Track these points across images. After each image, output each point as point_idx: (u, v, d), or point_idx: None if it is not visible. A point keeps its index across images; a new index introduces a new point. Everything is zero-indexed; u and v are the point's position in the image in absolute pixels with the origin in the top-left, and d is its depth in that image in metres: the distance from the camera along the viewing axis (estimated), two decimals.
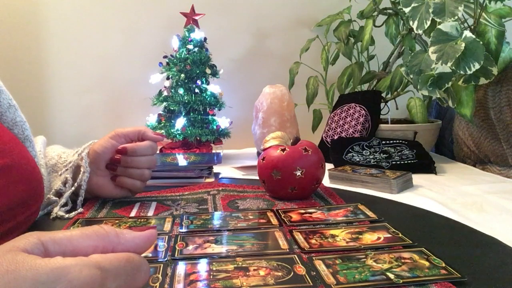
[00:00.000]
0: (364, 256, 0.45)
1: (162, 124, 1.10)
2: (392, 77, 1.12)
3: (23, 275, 0.23)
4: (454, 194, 0.75)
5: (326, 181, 0.83)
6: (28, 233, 0.27)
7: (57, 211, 0.62)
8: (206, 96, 1.10)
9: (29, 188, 0.52)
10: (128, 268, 0.27)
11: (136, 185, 0.67)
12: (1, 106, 0.56)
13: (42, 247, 0.26)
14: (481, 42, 0.80)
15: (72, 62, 1.34)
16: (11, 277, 0.23)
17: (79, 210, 0.63)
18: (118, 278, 0.26)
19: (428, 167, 0.92)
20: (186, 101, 1.08)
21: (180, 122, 1.08)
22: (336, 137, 1.09)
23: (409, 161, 0.92)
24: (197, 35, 1.12)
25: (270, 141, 0.73)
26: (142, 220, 0.59)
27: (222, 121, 1.13)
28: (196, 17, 1.15)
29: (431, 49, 0.84)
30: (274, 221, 0.58)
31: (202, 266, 0.43)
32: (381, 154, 0.96)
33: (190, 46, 1.11)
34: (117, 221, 0.58)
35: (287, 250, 0.47)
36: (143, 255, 0.30)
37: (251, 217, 0.60)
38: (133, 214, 0.63)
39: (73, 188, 0.65)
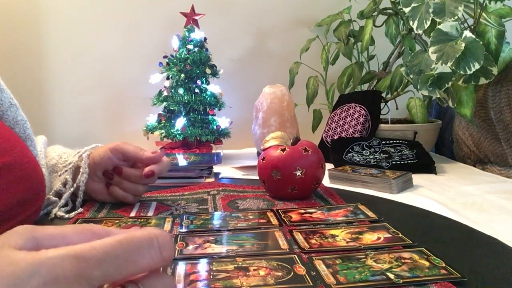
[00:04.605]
0: (364, 256, 0.45)
1: (162, 124, 1.10)
2: (392, 77, 1.12)
3: (2, 271, 0.23)
4: (454, 194, 0.75)
5: (326, 181, 0.83)
6: (21, 227, 0.26)
7: (57, 211, 0.62)
8: (206, 96, 1.10)
9: (30, 186, 0.52)
10: (119, 252, 0.25)
11: (127, 198, 0.67)
12: (2, 105, 0.56)
13: (35, 241, 0.26)
14: (481, 42, 0.80)
15: (72, 62, 1.34)
16: None
17: (79, 210, 0.63)
18: (105, 264, 0.24)
19: (428, 167, 0.92)
20: (186, 101, 1.08)
21: (180, 122, 1.08)
22: (336, 137, 1.09)
23: (409, 161, 0.92)
24: (197, 35, 1.12)
25: (270, 141, 0.73)
26: (142, 220, 0.59)
27: (222, 121, 1.13)
28: (196, 17, 1.15)
29: (431, 49, 0.84)
30: (274, 221, 0.58)
31: (202, 266, 0.43)
32: (381, 154, 0.96)
33: (190, 46, 1.11)
34: (117, 221, 0.58)
35: (287, 250, 0.47)
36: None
37: (251, 217, 0.60)
38: (133, 214, 0.63)
39: (72, 189, 0.65)
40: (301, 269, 0.42)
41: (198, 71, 1.09)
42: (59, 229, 0.27)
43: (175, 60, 1.11)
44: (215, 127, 1.11)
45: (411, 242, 0.49)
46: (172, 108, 1.10)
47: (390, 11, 1.19)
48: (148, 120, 1.13)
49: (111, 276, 0.24)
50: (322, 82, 1.32)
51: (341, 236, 0.51)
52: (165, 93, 1.12)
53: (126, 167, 0.67)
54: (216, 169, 0.92)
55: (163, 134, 1.09)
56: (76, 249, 0.24)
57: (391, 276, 0.40)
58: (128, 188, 0.67)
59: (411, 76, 0.94)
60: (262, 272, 0.41)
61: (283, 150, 0.68)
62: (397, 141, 0.99)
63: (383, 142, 1.00)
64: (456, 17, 0.83)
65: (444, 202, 0.70)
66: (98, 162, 0.66)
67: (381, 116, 1.14)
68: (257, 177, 0.74)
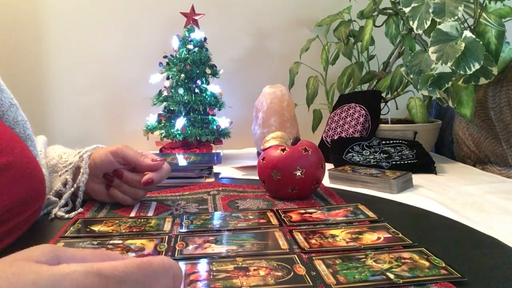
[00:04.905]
0: (364, 256, 0.45)
1: (162, 124, 1.10)
2: (392, 77, 1.12)
3: (24, 279, 0.23)
4: (454, 194, 0.75)
5: (326, 181, 0.83)
6: (45, 245, 0.27)
7: (57, 211, 0.62)
8: (206, 96, 1.10)
9: (30, 187, 0.52)
10: (138, 275, 0.26)
11: (127, 201, 0.67)
12: (2, 105, 0.56)
13: (57, 260, 0.26)
14: (481, 42, 0.80)
15: (72, 62, 1.34)
16: (14, 280, 0.23)
17: (79, 210, 0.63)
18: (124, 285, 0.25)
19: (428, 167, 0.92)
20: (186, 101, 1.08)
21: (180, 122, 1.08)
22: (336, 137, 1.09)
23: (409, 161, 0.92)
24: (197, 35, 1.12)
25: (270, 141, 0.73)
26: (142, 220, 0.59)
27: (222, 121, 1.13)
28: (196, 17, 1.15)
29: (431, 49, 0.84)
30: (274, 221, 0.58)
31: (202, 266, 0.43)
32: (381, 154, 0.96)
33: (190, 46, 1.11)
34: (117, 221, 0.58)
35: (287, 250, 0.47)
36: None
37: (251, 217, 0.60)
38: (133, 214, 0.63)
39: (72, 189, 0.65)
40: (301, 269, 0.42)
41: (198, 71, 1.09)
42: (79, 251, 0.28)
43: (175, 60, 1.11)
44: (215, 127, 1.11)
45: (411, 242, 0.49)
46: (172, 108, 1.10)
47: (390, 11, 1.19)
48: (148, 120, 1.13)
49: None
50: (322, 82, 1.32)
51: (341, 236, 0.51)
52: (165, 93, 1.12)
53: (127, 171, 0.67)
54: (216, 169, 0.92)
55: (163, 134, 1.09)
56: (99, 266, 0.25)
57: (391, 276, 0.40)
58: (127, 192, 0.67)
59: (411, 76, 0.94)
60: (262, 272, 0.41)
61: (283, 150, 0.68)
62: (397, 141, 0.99)
63: (383, 142, 1.00)
64: (456, 17, 0.83)
65: (444, 202, 0.70)
66: (99, 164, 0.66)
67: (381, 116, 1.14)
68: (257, 177, 0.74)
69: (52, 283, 0.23)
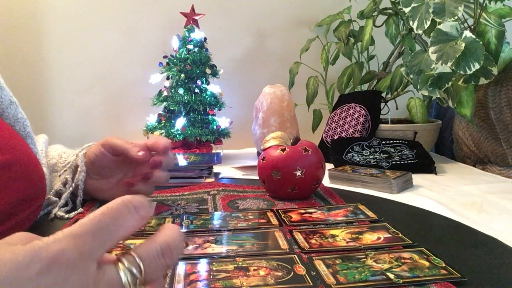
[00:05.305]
0: (364, 256, 0.45)
1: (162, 124, 1.10)
2: (392, 77, 1.12)
3: (2, 258, 0.24)
4: (454, 194, 0.75)
5: (326, 181, 0.83)
6: (24, 232, 0.28)
7: (57, 211, 0.62)
8: (206, 96, 1.10)
9: (31, 184, 0.52)
10: (107, 220, 0.27)
11: (148, 191, 0.66)
12: (2, 103, 0.56)
13: None
14: (481, 42, 0.80)
15: (72, 62, 1.33)
16: None
17: (79, 210, 0.63)
18: (98, 234, 0.26)
19: (428, 167, 0.92)
20: (186, 101, 1.08)
21: (180, 122, 1.08)
22: (336, 137, 1.09)
23: (409, 161, 0.92)
24: (197, 35, 1.12)
25: (270, 141, 0.73)
26: None
27: (222, 121, 1.13)
28: (196, 17, 1.15)
29: (431, 49, 0.84)
30: (274, 221, 0.58)
31: (202, 266, 0.43)
32: (381, 154, 0.96)
33: (190, 46, 1.11)
34: None
35: (287, 250, 0.47)
36: None
37: (251, 217, 0.60)
38: None
39: (71, 189, 0.65)
40: (301, 269, 0.42)
41: (198, 71, 1.09)
42: None
43: (175, 60, 1.11)
44: (215, 127, 1.11)
45: (411, 242, 0.49)
46: (172, 108, 1.10)
47: (390, 11, 1.19)
48: (148, 120, 1.13)
49: (107, 243, 0.27)
50: (322, 82, 1.32)
51: (341, 236, 0.51)
52: (165, 93, 1.12)
53: (118, 161, 0.66)
54: (216, 169, 0.92)
55: (163, 134, 1.08)
56: (70, 229, 0.26)
57: (391, 276, 0.40)
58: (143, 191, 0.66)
59: (411, 76, 0.94)
60: (262, 272, 0.41)
61: (283, 150, 0.68)
62: (397, 141, 0.99)
63: (383, 142, 1.00)
64: (456, 17, 0.83)
65: (444, 202, 0.70)
66: (93, 159, 0.66)
67: (381, 116, 1.14)
68: (257, 177, 0.74)
69: (30, 256, 0.24)
